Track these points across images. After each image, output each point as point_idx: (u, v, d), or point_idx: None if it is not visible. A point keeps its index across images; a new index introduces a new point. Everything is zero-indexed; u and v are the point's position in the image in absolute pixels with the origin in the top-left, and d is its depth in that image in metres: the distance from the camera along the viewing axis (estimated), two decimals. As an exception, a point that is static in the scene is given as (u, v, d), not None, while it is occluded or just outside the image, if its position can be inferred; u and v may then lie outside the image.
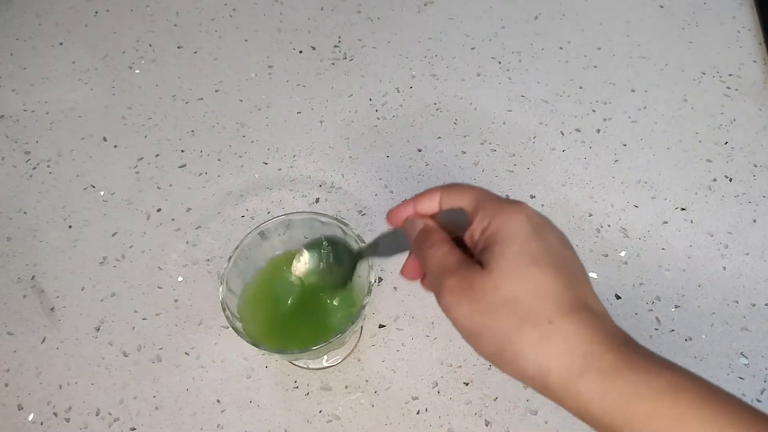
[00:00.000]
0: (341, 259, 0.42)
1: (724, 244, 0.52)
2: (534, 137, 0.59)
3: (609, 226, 0.54)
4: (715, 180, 0.56)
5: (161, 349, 0.49)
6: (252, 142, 0.60)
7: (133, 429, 0.46)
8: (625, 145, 0.58)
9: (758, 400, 0.45)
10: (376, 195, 0.56)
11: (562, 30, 0.67)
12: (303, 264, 0.43)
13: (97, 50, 0.68)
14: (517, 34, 0.67)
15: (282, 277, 0.44)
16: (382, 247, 0.37)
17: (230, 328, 0.49)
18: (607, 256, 0.52)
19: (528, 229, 0.28)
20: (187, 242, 0.54)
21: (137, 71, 0.66)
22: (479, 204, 0.30)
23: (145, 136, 0.61)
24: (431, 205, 0.33)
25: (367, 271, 0.41)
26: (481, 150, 0.59)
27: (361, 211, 0.55)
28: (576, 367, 0.25)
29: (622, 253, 0.52)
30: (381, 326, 0.49)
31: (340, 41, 0.68)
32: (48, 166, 0.60)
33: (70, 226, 0.56)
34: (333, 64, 0.66)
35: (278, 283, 0.44)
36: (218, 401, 0.46)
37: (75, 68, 0.67)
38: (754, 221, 0.53)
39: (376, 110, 0.62)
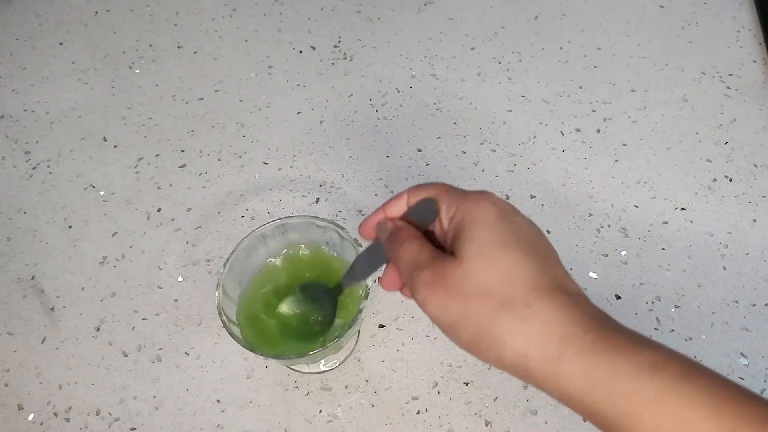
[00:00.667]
0: (322, 301, 0.41)
1: (724, 244, 0.52)
2: (534, 137, 0.59)
3: (609, 226, 0.54)
4: (715, 180, 0.56)
5: (161, 349, 0.49)
6: (252, 142, 0.60)
7: (133, 429, 0.46)
8: (625, 145, 0.58)
9: (758, 400, 0.45)
10: (376, 195, 0.56)
11: (562, 30, 0.67)
12: (284, 311, 0.42)
13: (97, 50, 0.68)
14: (517, 34, 0.67)
15: (278, 282, 0.44)
16: (361, 268, 0.36)
17: (230, 329, 0.49)
18: (607, 256, 0.52)
19: (495, 213, 0.28)
20: (187, 242, 0.54)
21: (137, 71, 0.66)
22: (445, 193, 0.30)
23: (145, 136, 0.61)
24: (400, 206, 0.33)
25: (359, 285, 0.41)
26: (481, 150, 0.59)
27: (361, 211, 0.55)
28: (555, 350, 0.25)
29: (622, 253, 0.52)
30: (381, 326, 0.49)
31: (340, 41, 0.68)
32: (48, 166, 0.60)
33: (70, 226, 0.56)
34: (333, 64, 0.66)
35: (274, 288, 0.44)
36: (218, 401, 0.46)
37: (75, 68, 0.67)
38: (754, 221, 0.53)
39: (376, 110, 0.62)
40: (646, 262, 0.51)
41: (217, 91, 0.64)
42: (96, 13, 0.72)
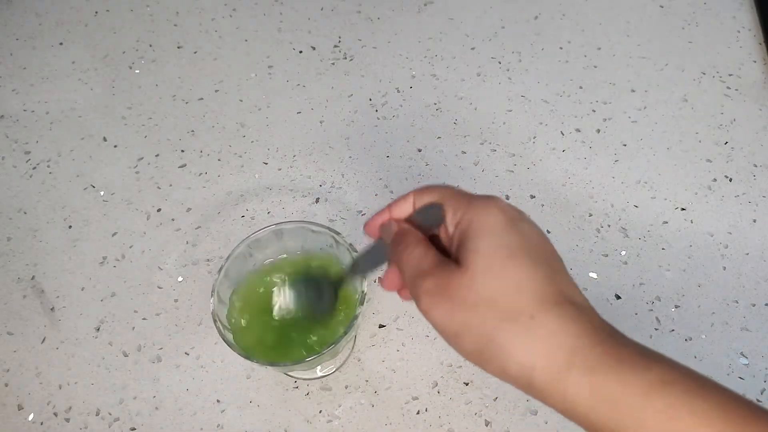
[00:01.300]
0: (322, 292, 0.41)
1: (724, 244, 0.52)
2: (534, 137, 0.59)
3: (609, 226, 0.54)
4: (715, 180, 0.56)
5: (161, 349, 0.49)
6: (252, 142, 0.60)
7: (133, 429, 0.46)
8: (625, 145, 0.58)
9: (758, 400, 0.45)
10: (376, 195, 0.56)
11: (562, 30, 0.67)
12: (284, 302, 0.42)
13: (97, 50, 0.68)
14: (517, 34, 0.67)
15: (272, 288, 0.44)
16: (363, 264, 0.36)
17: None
18: (607, 256, 0.52)
19: (503, 221, 0.27)
20: (187, 242, 0.54)
21: (137, 71, 0.66)
22: (451, 197, 0.30)
23: (145, 136, 0.61)
24: (406, 208, 0.32)
25: (359, 281, 0.40)
26: (481, 150, 0.59)
27: (361, 211, 0.55)
28: (562, 363, 0.24)
29: (622, 253, 0.52)
30: (381, 326, 0.49)
31: (340, 41, 0.68)
32: (48, 166, 0.60)
33: (70, 226, 0.56)
34: (333, 64, 0.66)
35: (269, 294, 0.44)
36: (218, 401, 0.46)
37: (75, 68, 0.67)
38: (754, 221, 0.53)
39: (376, 110, 0.62)
40: (646, 262, 0.51)
41: (217, 91, 0.64)
42: (96, 13, 0.72)
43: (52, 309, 0.51)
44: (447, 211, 0.30)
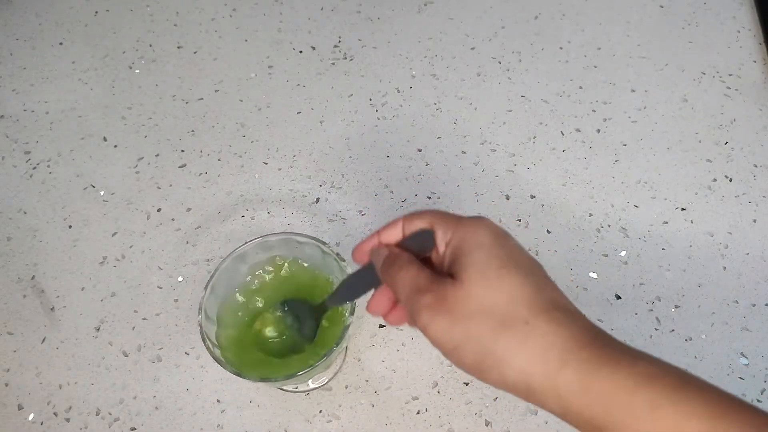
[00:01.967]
0: (304, 318, 0.41)
1: (724, 244, 0.52)
2: (534, 137, 0.59)
3: (609, 226, 0.54)
4: (715, 180, 0.56)
5: (161, 349, 0.49)
6: (252, 142, 0.60)
7: (133, 429, 0.46)
8: (625, 145, 0.58)
9: (758, 400, 0.45)
10: (376, 195, 0.56)
11: (562, 30, 0.67)
12: (268, 325, 0.42)
13: (97, 50, 0.68)
14: (517, 34, 0.67)
15: (259, 301, 0.43)
16: (348, 291, 0.36)
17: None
18: (607, 256, 0.52)
19: (492, 237, 0.29)
20: (187, 242, 0.54)
21: (137, 71, 0.66)
22: (440, 220, 0.31)
23: (145, 136, 0.61)
24: (395, 233, 0.33)
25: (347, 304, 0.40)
26: (481, 150, 0.59)
27: (361, 211, 0.55)
28: (555, 365, 0.25)
29: (622, 253, 0.52)
30: (381, 326, 0.49)
31: (340, 41, 0.68)
32: (48, 166, 0.60)
33: (70, 226, 0.56)
34: (333, 64, 0.66)
35: (255, 307, 0.43)
36: (218, 401, 0.46)
37: (75, 68, 0.67)
38: (754, 221, 0.53)
39: (376, 110, 0.62)
40: (646, 262, 0.51)
41: (217, 91, 0.64)
42: (96, 13, 0.72)
43: (52, 309, 0.51)
44: (437, 233, 0.31)
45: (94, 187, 0.58)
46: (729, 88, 0.62)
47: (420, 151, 0.59)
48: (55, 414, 0.47)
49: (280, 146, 0.60)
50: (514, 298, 0.27)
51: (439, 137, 0.60)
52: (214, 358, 0.39)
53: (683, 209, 0.54)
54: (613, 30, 0.67)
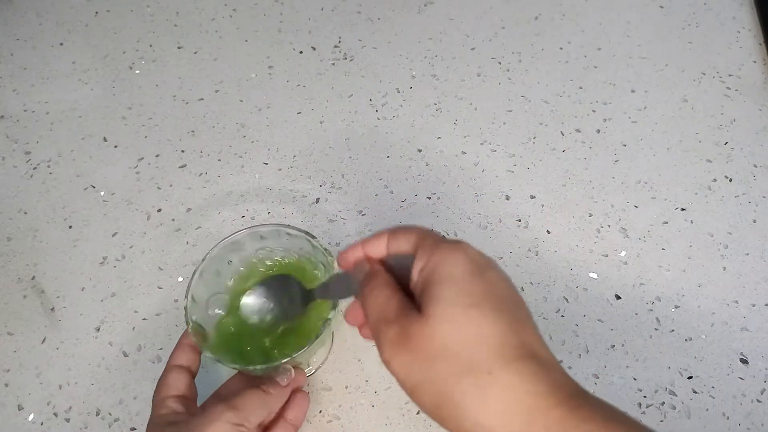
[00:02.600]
0: (293, 296, 0.40)
1: (724, 244, 0.52)
2: (534, 137, 0.59)
3: (609, 226, 0.54)
4: (715, 180, 0.56)
5: (161, 349, 0.49)
6: (252, 142, 0.60)
7: (133, 429, 0.46)
8: (625, 145, 0.58)
9: (758, 401, 0.45)
10: (376, 195, 0.56)
11: (562, 30, 0.67)
12: (254, 300, 0.41)
13: (97, 50, 0.68)
14: (517, 34, 0.67)
15: (245, 284, 0.43)
16: (334, 288, 0.35)
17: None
18: (607, 256, 0.52)
19: (468, 268, 0.26)
20: (187, 242, 0.54)
21: (137, 71, 0.66)
22: (419, 243, 0.29)
23: (145, 136, 0.61)
24: (379, 249, 0.31)
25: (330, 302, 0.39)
26: (481, 150, 0.59)
27: (361, 211, 0.55)
28: (520, 424, 0.23)
29: (622, 253, 0.52)
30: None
31: (340, 41, 0.68)
32: (48, 166, 0.60)
33: (70, 226, 0.56)
34: (333, 64, 0.66)
35: (241, 289, 0.43)
36: (218, 401, 0.46)
37: (75, 68, 0.67)
38: (754, 221, 0.53)
39: (376, 110, 0.62)
40: (646, 262, 0.51)
41: (217, 91, 0.64)
42: (96, 13, 0.72)
43: (52, 309, 0.51)
44: (415, 257, 0.29)
45: (94, 187, 0.58)
46: (729, 88, 0.62)
47: (420, 151, 0.59)
48: (55, 414, 0.47)
49: (280, 146, 0.60)
50: (480, 342, 0.24)
51: (439, 137, 0.60)
52: (195, 339, 0.39)
53: (683, 209, 0.54)
54: (613, 30, 0.67)
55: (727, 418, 0.44)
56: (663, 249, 0.52)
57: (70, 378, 0.48)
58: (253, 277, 0.44)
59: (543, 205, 0.55)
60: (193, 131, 0.62)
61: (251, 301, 0.40)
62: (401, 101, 0.62)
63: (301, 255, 0.44)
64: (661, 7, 0.69)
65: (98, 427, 0.46)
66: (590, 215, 0.54)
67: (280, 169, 0.58)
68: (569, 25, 0.68)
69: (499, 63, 0.65)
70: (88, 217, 0.56)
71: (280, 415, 0.39)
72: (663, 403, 0.45)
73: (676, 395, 0.45)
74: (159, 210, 0.56)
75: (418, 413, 0.45)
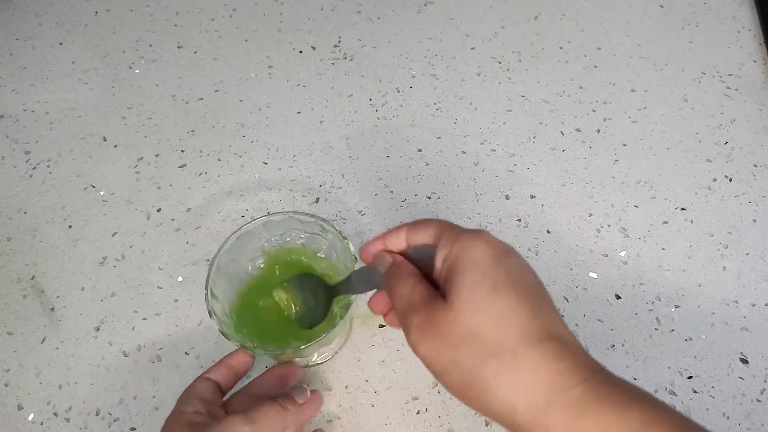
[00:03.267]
0: (317, 294, 0.41)
1: (724, 244, 0.52)
2: (534, 137, 0.59)
3: (609, 226, 0.54)
4: (715, 180, 0.56)
5: (161, 349, 0.49)
6: (252, 142, 0.60)
7: (133, 429, 0.46)
8: (625, 145, 0.58)
9: (758, 400, 0.45)
10: (376, 195, 0.56)
11: (562, 30, 0.67)
12: (283, 300, 0.42)
13: (97, 50, 0.68)
14: (517, 34, 0.67)
15: (264, 282, 0.44)
16: (356, 283, 0.36)
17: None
18: (607, 256, 0.52)
19: (489, 255, 0.27)
20: (187, 242, 0.54)
21: (137, 71, 0.66)
22: (440, 234, 0.30)
23: (145, 136, 0.61)
24: (399, 242, 0.32)
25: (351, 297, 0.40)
26: (481, 150, 0.59)
27: (361, 211, 0.55)
28: (542, 401, 0.24)
29: (622, 253, 0.52)
30: (381, 326, 0.49)
31: (340, 41, 0.68)
32: (48, 166, 0.60)
33: (70, 226, 0.56)
34: (333, 64, 0.66)
35: (261, 286, 0.44)
36: (218, 401, 0.46)
37: (75, 68, 0.67)
38: (754, 221, 0.53)
39: (376, 110, 0.62)
40: (646, 262, 0.51)
41: (217, 91, 0.64)
42: (96, 13, 0.72)
43: (52, 309, 0.51)
44: (437, 249, 0.30)
45: (94, 187, 0.58)
46: (729, 88, 0.62)
47: (420, 151, 0.59)
48: (55, 414, 0.47)
49: (280, 146, 0.60)
50: (503, 325, 0.25)
51: (439, 137, 0.60)
52: (221, 332, 0.39)
53: (683, 209, 0.54)
54: (613, 30, 0.67)
55: (727, 418, 0.44)
56: (663, 249, 0.52)
57: (70, 378, 0.48)
58: (271, 268, 0.45)
59: (543, 205, 0.55)
60: (192, 131, 0.61)
61: (279, 301, 0.42)
62: (401, 101, 0.62)
63: (317, 248, 0.45)
64: (661, 7, 0.69)
65: (98, 427, 0.46)
66: (590, 215, 0.54)
67: (280, 169, 0.58)
68: (569, 24, 0.68)
69: (499, 63, 0.65)
70: (88, 216, 0.56)
71: None
72: (663, 403, 0.45)
73: (676, 395, 0.45)
74: (159, 210, 0.56)
75: (418, 413, 0.45)
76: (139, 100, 0.64)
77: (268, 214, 0.44)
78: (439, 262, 0.29)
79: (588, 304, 0.49)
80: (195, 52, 0.68)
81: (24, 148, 0.61)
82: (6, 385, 0.48)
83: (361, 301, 0.47)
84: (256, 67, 0.66)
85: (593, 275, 0.51)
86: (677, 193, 0.55)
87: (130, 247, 0.54)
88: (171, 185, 0.58)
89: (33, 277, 0.53)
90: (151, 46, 0.68)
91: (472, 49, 0.66)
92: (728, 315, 0.48)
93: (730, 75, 0.63)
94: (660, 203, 0.55)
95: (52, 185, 0.59)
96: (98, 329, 0.50)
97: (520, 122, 0.60)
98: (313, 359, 0.47)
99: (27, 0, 0.73)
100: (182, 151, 0.60)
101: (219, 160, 0.59)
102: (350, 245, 0.41)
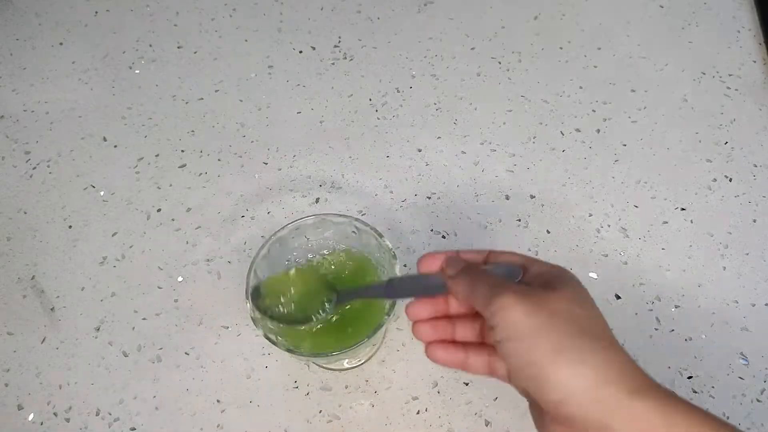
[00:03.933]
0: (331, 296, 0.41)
1: (724, 244, 0.52)
2: (534, 137, 0.59)
3: (609, 226, 0.54)
4: (715, 180, 0.56)
5: (161, 349, 0.49)
6: (252, 142, 0.60)
7: (133, 429, 0.46)
8: (625, 145, 0.58)
9: (758, 400, 0.45)
10: (376, 195, 0.56)
11: (562, 30, 0.67)
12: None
13: (97, 50, 0.68)
14: (517, 34, 0.67)
15: (309, 281, 0.43)
16: (398, 288, 0.37)
17: (229, 328, 0.50)
18: (607, 256, 0.52)
19: (577, 280, 0.32)
20: (187, 242, 0.54)
21: (137, 71, 0.66)
22: (532, 261, 0.33)
23: (145, 136, 0.61)
24: (476, 256, 0.35)
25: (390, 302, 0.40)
26: (481, 150, 0.59)
27: (361, 211, 0.55)
28: (636, 385, 0.27)
29: (622, 253, 0.52)
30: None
31: (340, 41, 0.68)
32: (48, 166, 0.60)
33: (70, 226, 0.56)
34: (333, 64, 0.66)
35: (304, 285, 0.43)
36: (218, 401, 0.46)
37: (75, 68, 0.67)
38: (754, 221, 0.53)
39: (376, 110, 0.62)
40: (646, 262, 0.51)
41: (217, 91, 0.64)
42: (96, 13, 0.72)
43: (52, 309, 0.51)
44: (530, 269, 0.33)
45: (94, 187, 0.58)
46: (729, 88, 0.62)
47: (420, 151, 0.59)
48: (55, 414, 0.47)
49: (280, 146, 0.60)
50: (596, 321, 0.29)
51: (439, 137, 0.60)
52: (265, 335, 0.39)
53: (683, 209, 0.54)
54: (613, 30, 0.67)
55: (727, 417, 0.44)
56: (663, 249, 0.52)
57: (70, 378, 0.48)
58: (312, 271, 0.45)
59: (543, 205, 0.55)
60: (192, 131, 0.61)
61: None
62: (401, 101, 0.62)
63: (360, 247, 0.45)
64: (661, 7, 0.69)
65: (98, 427, 0.46)
66: (590, 215, 0.54)
67: (280, 169, 0.58)
68: (569, 24, 0.68)
69: (499, 63, 0.65)
70: (88, 216, 0.56)
71: None
72: (663, 403, 0.45)
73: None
74: (159, 210, 0.56)
75: (418, 413, 0.45)
76: (139, 100, 0.64)
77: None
78: (533, 278, 0.32)
79: (588, 304, 0.49)
80: (195, 52, 0.68)
81: (24, 148, 0.61)
82: (6, 385, 0.48)
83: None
84: (256, 67, 0.66)
85: (593, 275, 0.51)
86: (677, 193, 0.55)
87: (130, 247, 0.54)
88: (171, 185, 0.58)
89: (33, 277, 0.53)
90: (151, 46, 0.68)
91: (472, 49, 0.66)
92: (728, 315, 0.48)
93: (730, 75, 0.63)
94: (660, 203, 0.55)
95: (52, 185, 0.59)
96: (98, 329, 0.50)
97: (520, 122, 0.60)
98: (345, 364, 0.47)
99: (27, 0, 0.73)
100: (182, 151, 0.60)
101: (219, 160, 0.59)
102: (386, 241, 0.42)
